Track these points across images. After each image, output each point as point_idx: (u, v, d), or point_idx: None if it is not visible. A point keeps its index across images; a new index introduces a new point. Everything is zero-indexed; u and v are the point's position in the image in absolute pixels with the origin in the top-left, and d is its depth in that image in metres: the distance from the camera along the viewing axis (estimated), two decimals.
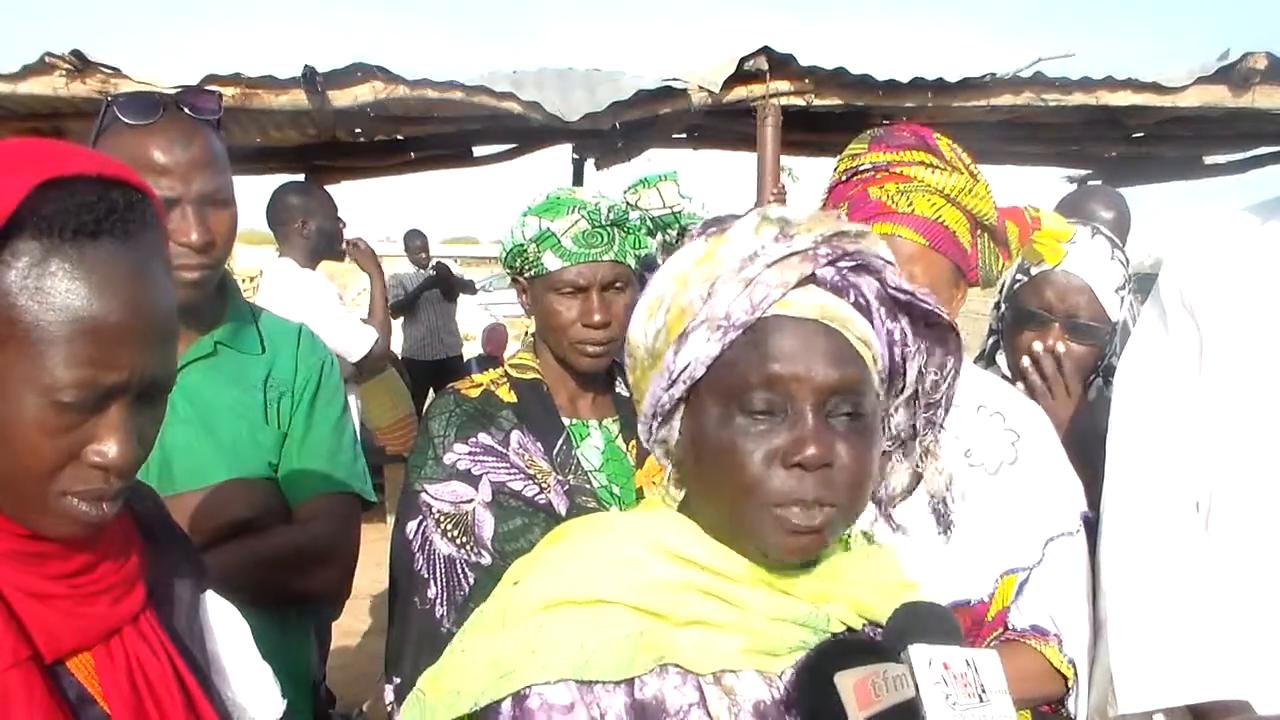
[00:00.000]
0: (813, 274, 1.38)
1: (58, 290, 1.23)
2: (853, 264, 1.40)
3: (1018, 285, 3.03)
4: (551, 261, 2.52)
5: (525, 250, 2.55)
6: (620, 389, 2.72)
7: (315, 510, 2.44)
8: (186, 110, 2.28)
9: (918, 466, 1.58)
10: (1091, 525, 2.38)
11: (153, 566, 1.49)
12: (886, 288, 1.42)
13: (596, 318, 2.51)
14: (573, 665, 1.32)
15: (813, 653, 1.34)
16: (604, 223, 2.55)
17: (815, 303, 1.37)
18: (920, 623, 1.31)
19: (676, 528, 1.45)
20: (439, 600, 2.40)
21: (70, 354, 1.23)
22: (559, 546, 1.51)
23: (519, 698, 1.31)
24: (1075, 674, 2.22)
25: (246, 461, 2.37)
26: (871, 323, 1.41)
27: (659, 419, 1.46)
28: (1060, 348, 2.92)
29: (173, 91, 2.35)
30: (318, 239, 5.51)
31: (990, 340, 3.25)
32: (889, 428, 1.53)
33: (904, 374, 1.48)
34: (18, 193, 1.22)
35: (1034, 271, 2.90)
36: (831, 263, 1.38)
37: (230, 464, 2.33)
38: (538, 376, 2.62)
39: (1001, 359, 3.16)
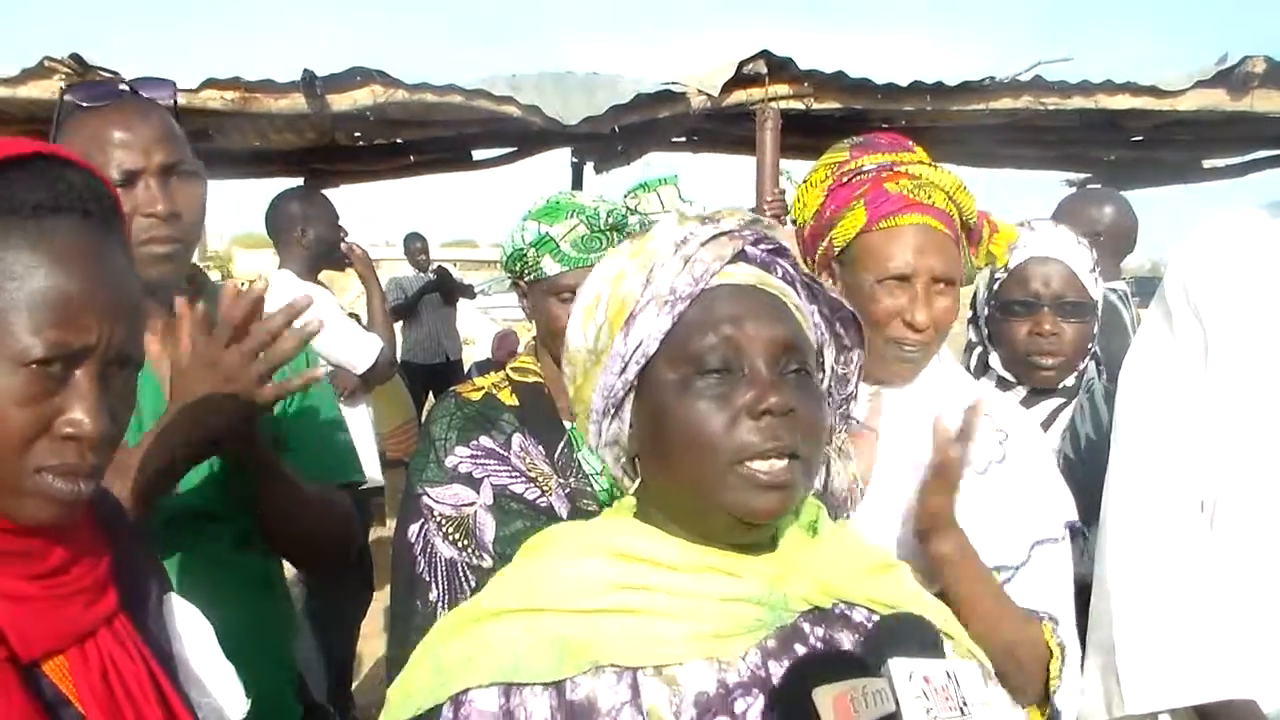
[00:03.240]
0: (743, 251, 1.49)
1: (20, 262, 1.26)
2: (771, 246, 1.52)
3: (998, 284, 3.06)
4: (550, 266, 2.53)
5: (524, 255, 2.55)
6: None
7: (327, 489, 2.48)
8: (142, 93, 2.31)
9: (829, 462, 1.61)
10: (1076, 534, 2.39)
11: (121, 565, 1.49)
12: (799, 272, 1.53)
13: None
14: (503, 670, 1.36)
15: (792, 667, 1.34)
16: (603, 227, 2.55)
17: (750, 273, 1.48)
18: (901, 635, 1.31)
19: (623, 528, 1.51)
20: (441, 603, 2.41)
21: (35, 320, 1.26)
22: (521, 559, 1.56)
23: (456, 703, 1.37)
24: (1063, 661, 2.22)
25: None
26: (799, 296, 1.52)
27: (609, 414, 1.50)
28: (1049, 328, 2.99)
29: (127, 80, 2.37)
30: (316, 247, 5.48)
31: (977, 352, 3.25)
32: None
33: (821, 360, 1.57)
34: None
35: (1009, 267, 2.99)
36: (755, 243, 1.50)
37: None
38: (540, 380, 2.62)
39: (995, 362, 3.17)
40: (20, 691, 1.27)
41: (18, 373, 1.26)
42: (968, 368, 3.21)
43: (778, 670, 1.39)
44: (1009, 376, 3.11)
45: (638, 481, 1.52)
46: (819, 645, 1.45)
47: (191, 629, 1.61)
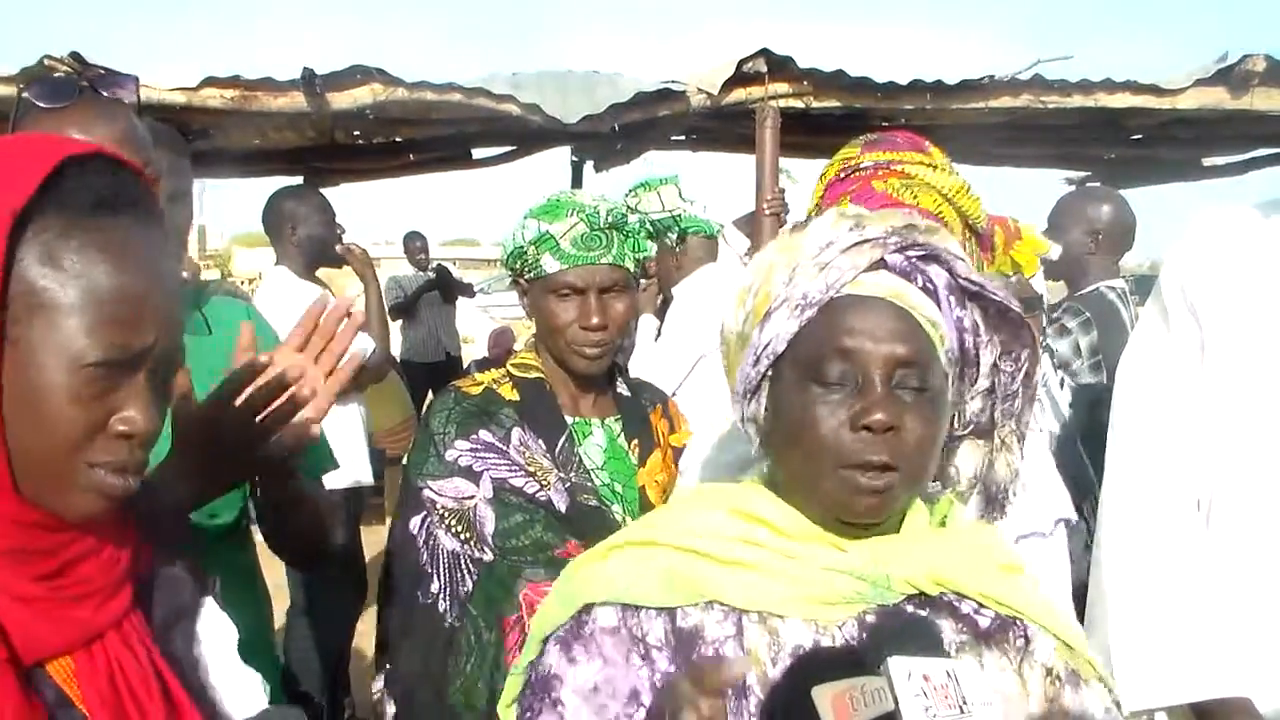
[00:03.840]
0: (882, 259, 1.52)
1: (82, 261, 1.27)
2: (922, 253, 1.54)
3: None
4: (550, 264, 2.53)
5: (524, 252, 2.56)
6: (621, 389, 2.74)
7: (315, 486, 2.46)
8: (103, 93, 2.24)
9: (990, 455, 1.69)
10: (1072, 530, 2.38)
11: (149, 567, 1.49)
12: (956, 278, 1.55)
13: (594, 320, 2.53)
14: (618, 592, 1.52)
15: (790, 666, 1.35)
16: (602, 226, 2.56)
17: (884, 284, 1.51)
18: (900, 634, 1.31)
19: (750, 492, 1.61)
20: (442, 595, 2.43)
21: (99, 321, 1.26)
22: (669, 502, 1.77)
23: (578, 617, 1.53)
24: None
25: None
26: (940, 307, 1.54)
27: (748, 396, 1.59)
28: None
29: (86, 76, 2.28)
30: (309, 245, 5.46)
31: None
32: (963, 414, 1.65)
33: (977, 363, 1.60)
34: (40, 171, 1.26)
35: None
36: (900, 250, 1.52)
37: None
38: (541, 375, 2.63)
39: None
40: (18, 694, 1.27)
41: (77, 373, 1.26)
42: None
43: (873, 645, 1.47)
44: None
45: (765, 458, 1.63)
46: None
47: (217, 637, 1.60)
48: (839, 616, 1.50)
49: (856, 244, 1.51)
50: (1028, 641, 1.58)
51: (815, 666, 1.28)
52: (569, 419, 2.59)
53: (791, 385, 1.52)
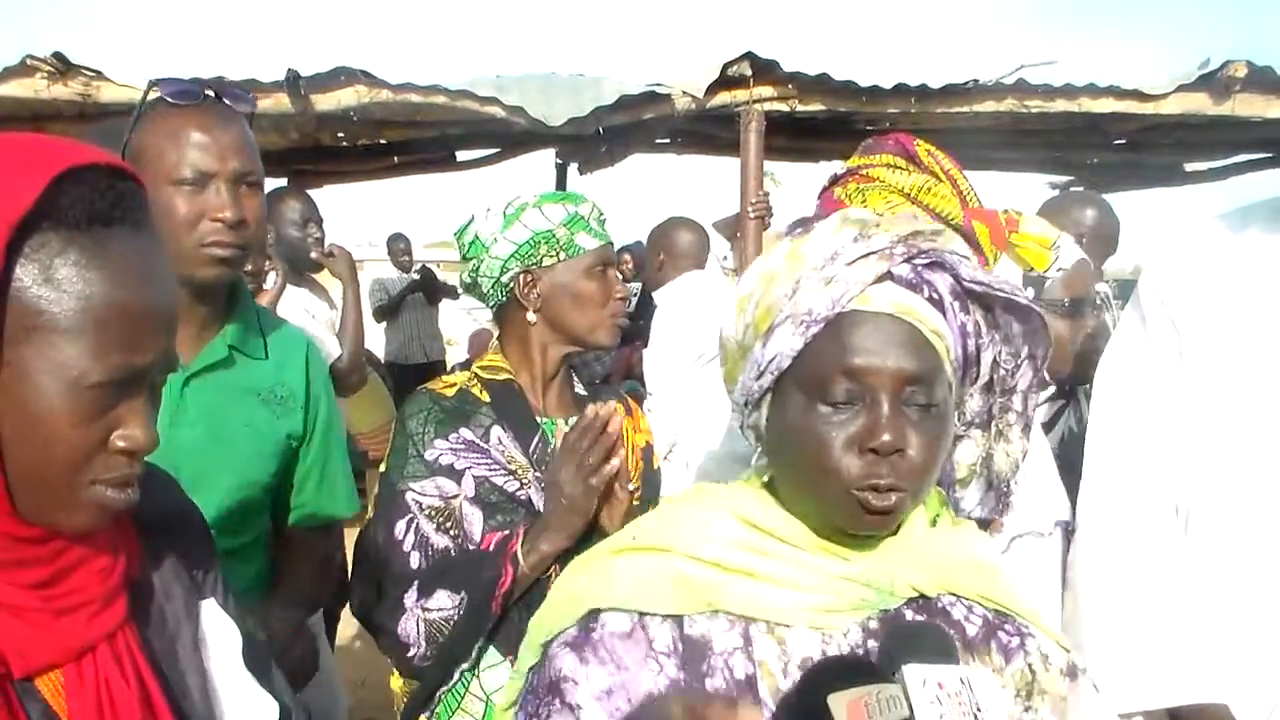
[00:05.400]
0: (888, 271, 1.48)
1: (81, 279, 1.23)
2: (927, 261, 1.51)
3: (1048, 282, 3.04)
4: (587, 241, 2.60)
5: (553, 236, 2.58)
6: (579, 388, 2.75)
7: (331, 534, 2.63)
8: (225, 100, 2.33)
9: (989, 447, 1.69)
10: (1070, 534, 2.39)
11: (145, 571, 1.47)
12: (961, 282, 1.52)
13: (619, 294, 2.65)
14: (628, 597, 1.49)
15: (806, 673, 1.35)
16: (600, 214, 2.68)
17: (890, 298, 1.47)
18: (915, 642, 1.31)
19: (753, 498, 1.59)
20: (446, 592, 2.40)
21: (100, 340, 1.23)
22: (655, 510, 1.69)
23: (586, 622, 1.49)
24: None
25: (250, 471, 2.40)
26: (945, 316, 1.51)
27: (750, 406, 1.57)
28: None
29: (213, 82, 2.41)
30: (280, 249, 5.45)
31: None
32: (964, 413, 1.65)
33: (978, 363, 1.59)
34: (37, 186, 1.22)
35: (1055, 269, 2.95)
36: (907, 260, 1.49)
37: (236, 472, 2.35)
38: (510, 377, 2.62)
39: None
40: (6, 709, 1.25)
41: (79, 395, 1.24)
42: None
43: (875, 650, 1.47)
44: (1045, 376, 3.11)
45: (767, 466, 1.60)
46: None
47: (220, 642, 1.58)
48: (844, 624, 1.49)
49: (862, 256, 1.48)
50: (1022, 640, 1.59)
51: (831, 673, 1.28)
52: (540, 420, 2.60)
53: (796, 402, 1.49)
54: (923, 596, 1.54)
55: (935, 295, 1.51)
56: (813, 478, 1.47)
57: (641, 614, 1.48)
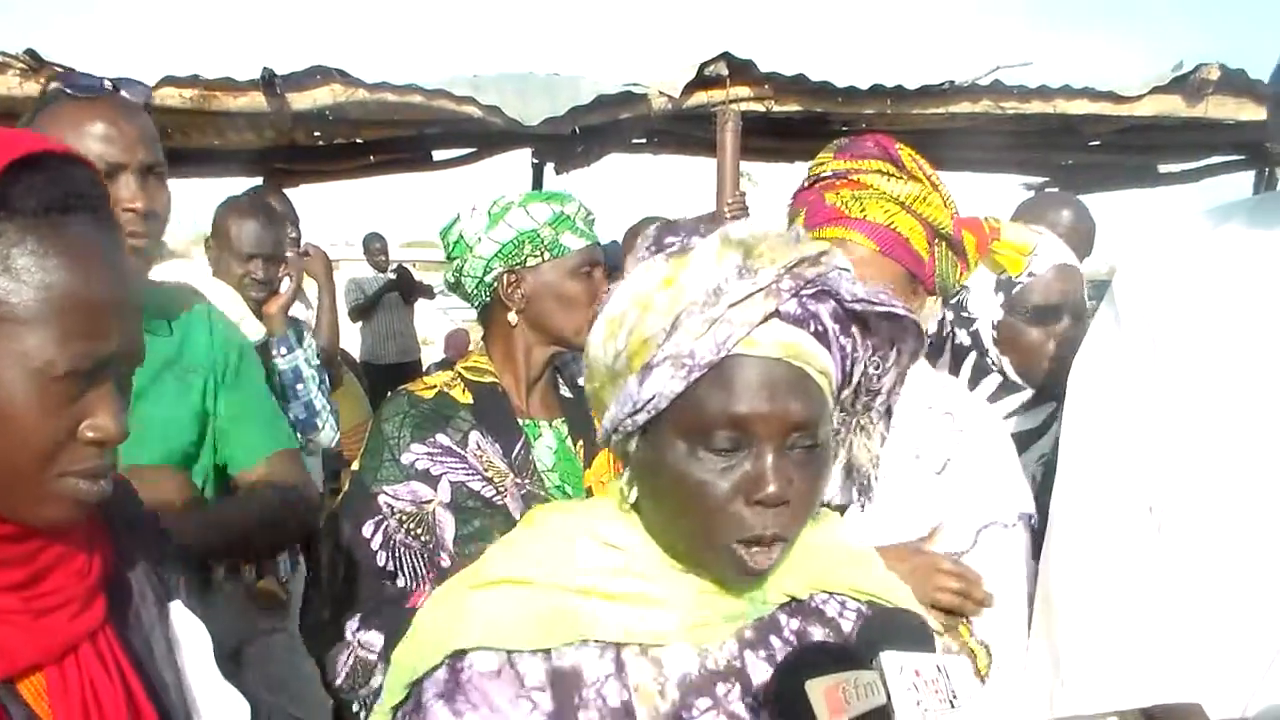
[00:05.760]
0: (775, 309, 1.39)
1: (40, 268, 1.22)
2: (813, 291, 1.42)
3: (1018, 288, 3.02)
4: (573, 241, 2.58)
5: (537, 235, 2.57)
6: (565, 391, 2.74)
7: (273, 467, 2.58)
8: (123, 92, 2.39)
9: (849, 439, 1.61)
10: (1035, 528, 2.40)
11: (118, 572, 1.46)
12: (843, 305, 1.44)
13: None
14: (495, 635, 1.41)
15: (785, 660, 1.35)
16: (587, 213, 2.66)
17: (778, 339, 1.38)
18: (892, 629, 1.31)
19: (614, 521, 1.52)
20: (409, 589, 2.41)
21: (62, 330, 1.22)
22: (515, 533, 1.59)
23: (452, 664, 1.41)
24: (990, 658, 2.24)
25: (171, 442, 2.43)
26: (829, 348, 1.43)
27: (620, 435, 1.48)
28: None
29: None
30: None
31: (971, 356, 3.22)
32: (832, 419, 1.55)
33: (850, 377, 1.51)
34: None
35: (1027, 274, 2.93)
36: (794, 295, 1.40)
37: (159, 445, 2.38)
38: (495, 380, 2.61)
39: (1008, 366, 3.14)
40: None
41: (44, 385, 1.22)
42: (976, 366, 3.20)
43: (753, 660, 1.45)
44: (1019, 380, 3.09)
45: (634, 490, 1.51)
46: (792, 637, 1.50)
47: (191, 643, 1.57)
48: (720, 636, 1.45)
49: (749, 296, 1.38)
50: None
51: (808, 660, 1.28)
52: (522, 422, 2.59)
53: (675, 445, 1.40)
54: (795, 599, 1.52)
55: (820, 328, 1.42)
56: (690, 524, 1.41)
57: (509, 651, 1.41)
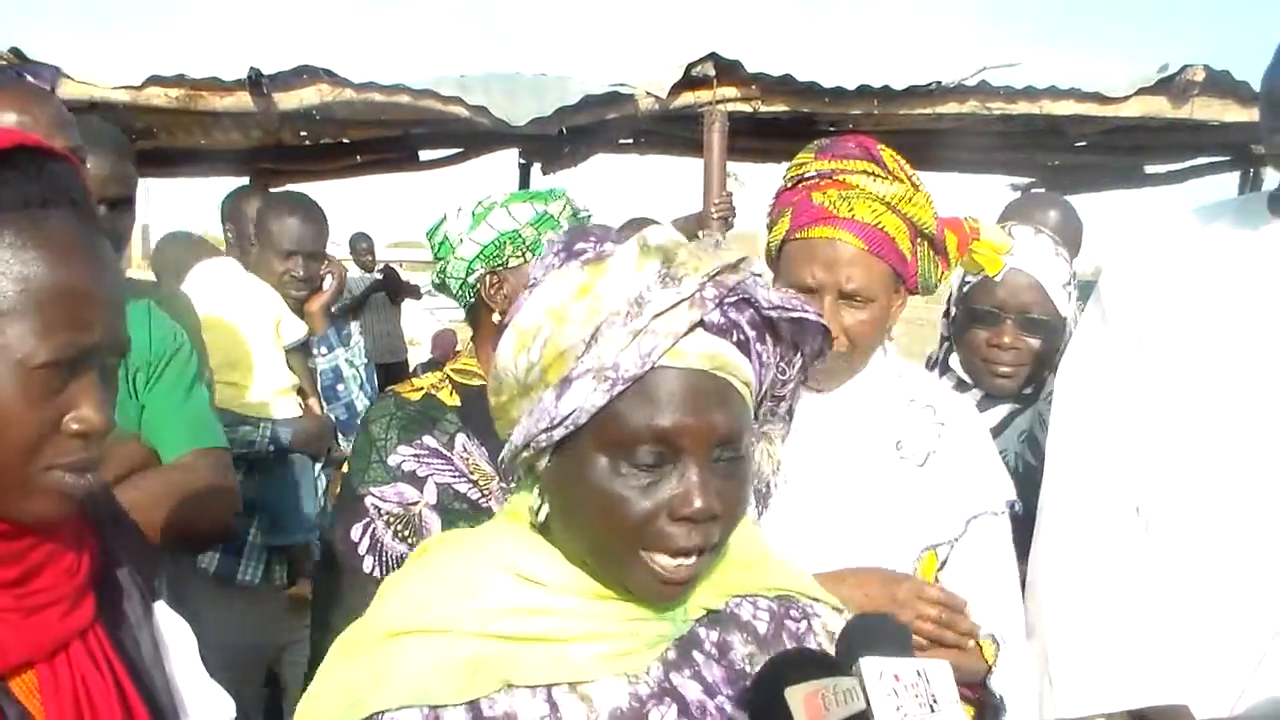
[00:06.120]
0: (700, 319, 1.35)
1: (18, 260, 1.23)
2: (734, 299, 1.39)
3: (967, 287, 3.08)
4: None
5: (519, 235, 2.55)
6: None
7: (193, 460, 2.59)
8: (30, 79, 2.35)
9: (751, 448, 1.59)
10: (1017, 517, 2.42)
11: (105, 570, 1.46)
12: (760, 312, 1.41)
13: None
14: (415, 692, 1.33)
15: (764, 667, 1.35)
16: (575, 210, 2.63)
17: (702, 350, 1.35)
18: (871, 634, 1.31)
19: (525, 547, 1.46)
20: None
21: (44, 321, 1.23)
22: (415, 569, 1.51)
23: None
24: (998, 650, 2.25)
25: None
26: (749, 356, 1.41)
27: (531, 451, 1.42)
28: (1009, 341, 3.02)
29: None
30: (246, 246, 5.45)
31: (943, 346, 3.30)
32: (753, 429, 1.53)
33: (762, 383, 1.49)
34: None
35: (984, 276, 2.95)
36: (717, 305, 1.36)
37: None
38: (484, 382, 2.60)
39: (955, 362, 3.21)
40: None
41: (27, 375, 1.23)
42: (942, 361, 3.26)
43: (681, 680, 1.42)
44: (966, 378, 3.14)
45: (544, 508, 1.46)
46: (714, 649, 1.47)
47: (176, 642, 1.57)
48: (645, 662, 1.42)
49: (674, 305, 1.33)
50: (808, 621, 1.59)
51: (788, 667, 1.28)
52: None
53: (594, 460, 1.35)
54: (710, 611, 1.49)
55: (742, 337, 1.40)
56: (611, 545, 1.37)
57: (433, 708, 1.34)
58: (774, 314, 1.42)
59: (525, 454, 1.43)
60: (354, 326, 5.04)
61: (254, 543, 4.13)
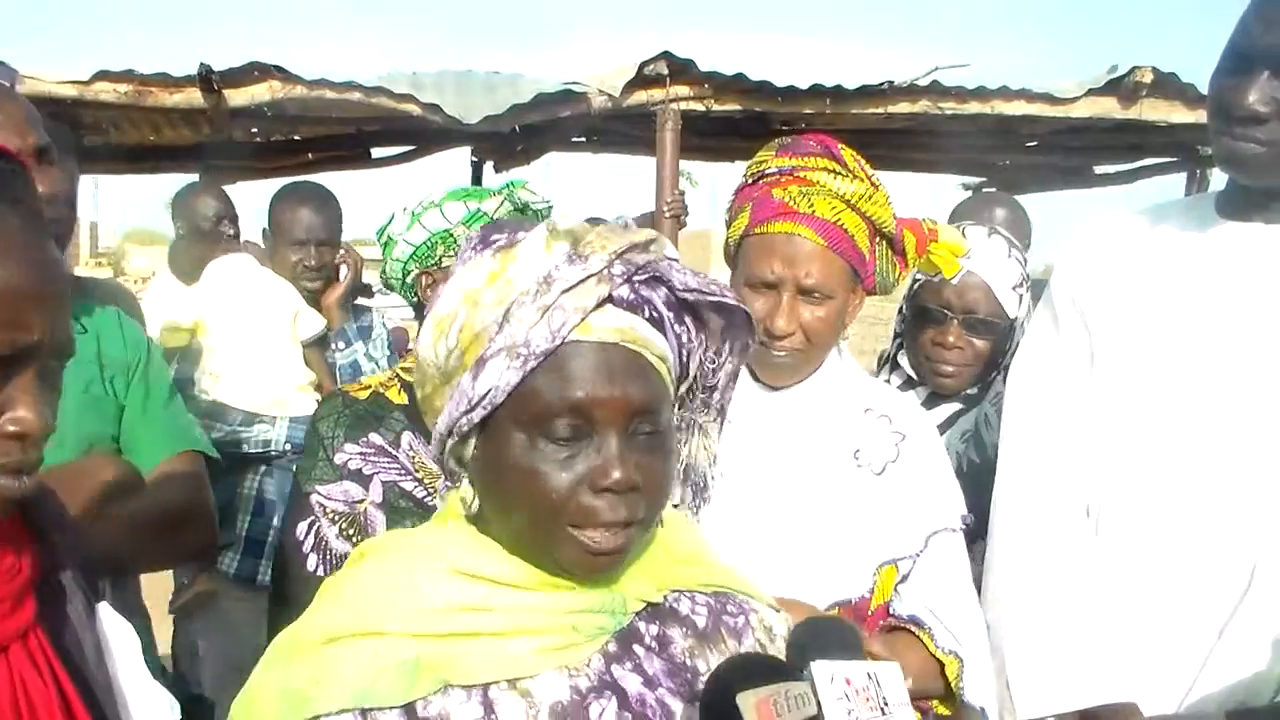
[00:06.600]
0: (609, 294, 1.39)
1: None
2: (645, 277, 1.43)
3: (917, 286, 3.11)
4: None
5: (450, 235, 2.55)
6: None
7: (169, 474, 2.57)
8: None
9: (686, 442, 1.61)
10: (970, 530, 2.43)
11: (46, 573, 1.44)
12: (675, 293, 1.44)
13: None
14: (353, 695, 1.34)
15: (716, 672, 1.35)
16: (518, 206, 2.60)
17: (613, 324, 1.39)
18: (822, 638, 1.32)
19: (464, 542, 1.48)
20: None
21: None
22: (353, 571, 1.51)
23: None
24: (961, 666, 2.25)
25: (93, 433, 2.46)
26: (664, 334, 1.44)
27: (455, 438, 1.45)
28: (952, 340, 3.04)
29: None
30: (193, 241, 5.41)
31: (894, 344, 3.33)
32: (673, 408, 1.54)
33: (686, 369, 1.52)
34: None
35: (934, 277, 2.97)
36: (626, 280, 1.40)
37: (79, 436, 2.40)
38: None
39: (904, 360, 3.23)
40: None
41: None
42: (892, 358, 3.28)
43: (621, 673, 1.44)
44: (914, 375, 3.17)
45: (476, 498, 1.49)
46: (654, 643, 1.49)
47: (120, 644, 1.55)
48: (585, 655, 1.43)
49: (581, 281, 1.37)
50: (746, 617, 1.60)
51: (739, 672, 1.28)
52: None
53: (514, 439, 1.39)
54: (650, 605, 1.51)
55: (655, 314, 1.44)
56: (536, 518, 1.39)
57: (367, 711, 1.33)
58: (690, 296, 1.45)
59: (450, 441, 1.45)
60: (375, 318, 4.98)
61: (273, 543, 4.09)
